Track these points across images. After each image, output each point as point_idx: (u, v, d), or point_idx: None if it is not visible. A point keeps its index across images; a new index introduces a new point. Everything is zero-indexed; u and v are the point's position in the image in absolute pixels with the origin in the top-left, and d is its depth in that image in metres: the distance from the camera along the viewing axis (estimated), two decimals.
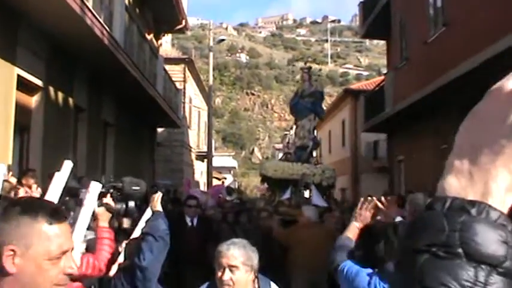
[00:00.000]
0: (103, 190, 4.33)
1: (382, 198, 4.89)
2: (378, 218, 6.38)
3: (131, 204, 4.87)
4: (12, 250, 1.78)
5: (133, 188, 6.85)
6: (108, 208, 4.45)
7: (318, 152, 29.82)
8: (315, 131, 14.65)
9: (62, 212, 2.01)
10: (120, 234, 5.34)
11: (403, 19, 20.74)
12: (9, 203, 1.97)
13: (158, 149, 27.22)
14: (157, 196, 5.00)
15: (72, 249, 1.94)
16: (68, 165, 4.14)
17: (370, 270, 3.89)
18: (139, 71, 15.51)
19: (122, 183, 4.82)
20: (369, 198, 4.80)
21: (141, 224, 5.36)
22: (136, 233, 5.40)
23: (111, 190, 4.57)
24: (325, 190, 13.38)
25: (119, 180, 4.86)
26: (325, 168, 13.66)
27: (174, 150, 30.44)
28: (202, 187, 30.78)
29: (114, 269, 4.62)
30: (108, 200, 4.44)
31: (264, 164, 15.78)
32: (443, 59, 15.75)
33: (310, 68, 16.55)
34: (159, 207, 4.90)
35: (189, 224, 9.33)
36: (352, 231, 4.53)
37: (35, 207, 1.89)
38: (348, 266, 4.06)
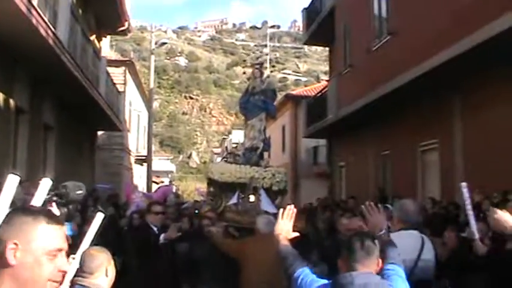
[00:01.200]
0: (47, 198, 4.13)
1: (367, 204, 4.68)
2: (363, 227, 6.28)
3: (72, 207, 4.73)
4: (15, 244, 2.04)
5: (77, 192, 6.65)
6: None
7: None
8: (266, 132, 13.74)
9: (58, 217, 2.35)
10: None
11: (347, 26, 21.01)
12: (11, 210, 2.30)
13: (98, 152, 26.76)
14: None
15: (66, 251, 2.18)
16: (13, 180, 3.87)
17: (325, 281, 3.90)
18: (82, 72, 15.19)
19: (65, 189, 4.64)
20: (289, 206, 4.62)
21: (90, 234, 5.17)
22: (86, 244, 5.20)
23: (55, 198, 4.38)
24: (276, 195, 12.56)
25: (61, 186, 4.65)
26: (275, 171, 12.75)
27: (114, 154, 29.96)
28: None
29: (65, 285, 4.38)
30: (54, 209, 4.24)
31: (210, 166, 15.01)
32: (387, 67, 16.02)
33: (262, 63, 15.68)
34: None
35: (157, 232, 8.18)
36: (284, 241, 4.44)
37: (35, 210, 2.22)
38: (304, 274, 4.06)
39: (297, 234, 4.60)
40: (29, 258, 2.04)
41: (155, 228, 8.06)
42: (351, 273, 3.64)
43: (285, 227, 4.51)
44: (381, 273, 3.85)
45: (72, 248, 4.94)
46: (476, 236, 6.02)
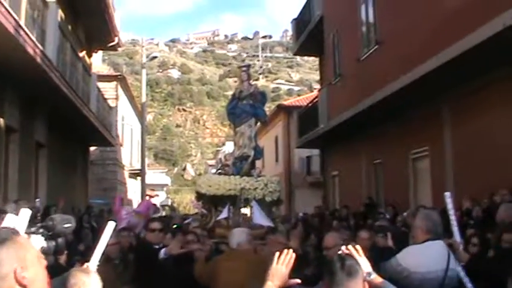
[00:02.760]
0: (33, 230, 4.12)
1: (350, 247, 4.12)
2: None
3: (60, 240, 4.68)
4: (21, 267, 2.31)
5: (65, 225, 6.62)
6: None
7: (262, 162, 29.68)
8: (257, 139, 12.85)
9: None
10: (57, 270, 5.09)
11: (336, 36, 21.10)
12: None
13: (91, 167, 26.77)
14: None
15: None
16: (26, 214, 3.95)
17: None
18: (72, 90, 15.21)
19: (52, 222, 4.60)
20: (287, 250, 3.72)
21: (102, 243, 5.16)
22: (98, 253, 5.20)
23: (41, 230, 4.35)
24: (270, 206, 11.77)
25: (48, 219, 4.62)
26: (268, 180, 11.92)
27: (107, 169, 30.01)
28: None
29: None
30: (40, 242, 4.22)
31: (198, 179, 14.37)
32: (376, 76, 16.10)
33: (249, 65, 14.57)
34: None
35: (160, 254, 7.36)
36: None
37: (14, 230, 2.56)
38: None
39: (297, 281, 3.67)
40: (32, 270, 2.38)
41: (156, 247, 7.38)
42: None
43: (280, 273, 3.58)
44: None
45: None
46: (460, 244, 6.03)
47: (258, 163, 13.86)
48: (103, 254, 5.02)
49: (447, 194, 6.09)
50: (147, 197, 32.94)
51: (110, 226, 5.43)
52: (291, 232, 8.58)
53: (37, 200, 13.65)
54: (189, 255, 7.40)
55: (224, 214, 10.83)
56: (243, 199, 11.14)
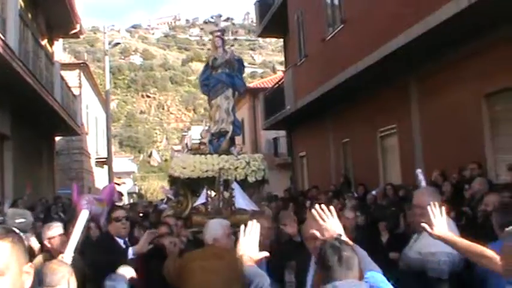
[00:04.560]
0: None
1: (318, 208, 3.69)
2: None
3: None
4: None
5: (17, 221, 6.44)
6: None
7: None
8: (235, 112, 11.29)
9: None
10: None
11: (301, 17, 21.06)
12: None
13: (57, 158, 26.45)
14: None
15: None
16: None
17: None
18: (36, 79, 14.95)
19: (3, 217, 4.44)
20: (251, 222, 3.69)
21: (76, 233, 5.03)
22: (73, 243, 5.07)
23: None
24: (254, 187, 10.43)
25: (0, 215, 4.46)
26: (250, 158, 10.48)
27: (73, 158, 29.70)
28: None
29: None
30: None
31: (171, 161, 12.32)
32: (342, 56, 16.13)
33: (223, 30, 12.08)
34: None
35: (124, 246, 6.32)
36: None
37: None
38: None
39: (265, 254, 3.75)
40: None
41: (121, 241, 6.37)
42: (334, 285, 3.04)
43: (249, 245, 3.63)
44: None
45: None
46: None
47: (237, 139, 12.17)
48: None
49: (419, 170, 6.16)
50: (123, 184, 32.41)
51: (83, 215, 5.31)
52: (283, 214, 7.50)
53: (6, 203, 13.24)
54: (161, 250, 6.39)
55: (201, 199, 9.61)
56: (222, 181, 9.61)
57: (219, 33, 11.51)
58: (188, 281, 5.35)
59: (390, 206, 10.94)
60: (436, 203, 4.00)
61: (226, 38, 11.63)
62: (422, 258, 4.87)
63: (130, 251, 6.11)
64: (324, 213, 3.62)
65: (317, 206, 3.68)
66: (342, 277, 3.06)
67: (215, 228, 5.70)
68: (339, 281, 3.05)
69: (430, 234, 4.01)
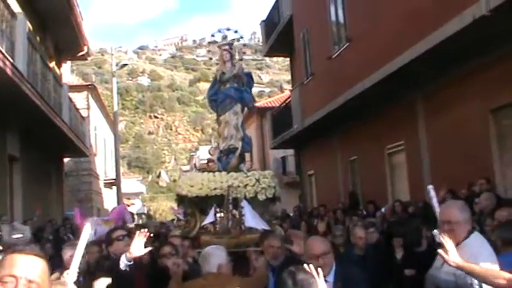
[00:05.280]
0: None
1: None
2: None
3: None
4: None
5: (15, 236, 6.41)
6: None
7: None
8: (244, 128, 10.91)
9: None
10: None
11: (306, 35, 21.16)
12: None
13: (66, 179, 26.53)
14: None
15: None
16: None
17: None
18: (44, 101, 15.05)
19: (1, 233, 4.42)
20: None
21: (80, 248, 5.01)
22: (77, 259, 5.03)
23: None
24: (264, 206, 10.08)
25: None
26: (260, 175, 10.09)
27: (82, 180, 29.79)
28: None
29: None
30: None
31: (179, 180, 11.64)
32: (348, 74, 16.17)
33: (231, 44, 11.38)
34: None
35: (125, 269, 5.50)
36: None
37: None
38: None
39: None
40: None
41: (123, 264, 5.61)
42: None
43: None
44: None
45: None
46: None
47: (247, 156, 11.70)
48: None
49: (430, 186, 6.09)
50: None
51: (86, 231, 5.28)
52: (290, 233, 7.44)
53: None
54: (164, 271, 6.04)
55: (210, 218, 9.28)
56: (231, 199, 9.24)
57: (227, 47, 11.14)
58: None
59: (409, 221, 10.78)
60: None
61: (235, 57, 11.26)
62: (456, 280, 4.28)
63: (122, 260, 5.42)
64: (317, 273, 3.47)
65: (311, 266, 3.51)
66: None
67: (219, 254, 5.45)
68: None
69: (447, 262, 3.94)
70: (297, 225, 14.09)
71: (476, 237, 4.44)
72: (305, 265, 3.50)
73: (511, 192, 10.62)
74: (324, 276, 4.56)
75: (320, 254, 4.68)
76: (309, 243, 4.95)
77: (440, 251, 3.95)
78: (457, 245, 4.17)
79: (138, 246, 5.39)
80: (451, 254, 3.90)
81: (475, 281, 4.05)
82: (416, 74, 12.89)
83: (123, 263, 5.36)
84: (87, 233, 5.03)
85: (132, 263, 5.46)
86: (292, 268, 3.27)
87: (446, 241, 3.94)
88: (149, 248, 5.67)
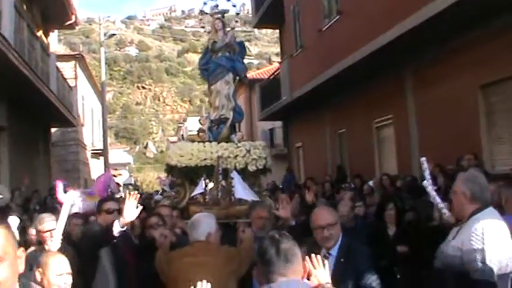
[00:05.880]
0: None
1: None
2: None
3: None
4: None
5: None
6: None
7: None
8: (236, 97, 10.75)
9: None
10: None
11: (297, 7, 21.04)
12: None
13: (53, 149, 26.41)
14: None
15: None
16: None
17: None
18: (32, 70, 14.93)
19: None
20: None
21: (61, 221, 4.99)
22: (59, 231, 5.01)
23: None
24: (255, 177, 9.98)
25: None
26: (251, 146, 9.94)
27: (69, 150, 29.63)
28: None
29: None
30: None
31: (168, 150, 11.79)
32: (338, 46, 16.12)
33: (224, 12, 11.17)
34: None
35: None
36: None
37: None
38: None
39: None
40: None
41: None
42: (270, 286, 2.85)
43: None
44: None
45: None
46: (443, 206, 5.94)
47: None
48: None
49: (423, 159, 6.10)
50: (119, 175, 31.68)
51: (67, 201, 5.25)
52: (279, 197, 7.19)
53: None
54: (152, 243, 5.81)
55: (199, 189, 9.04)
56: (221, 169, 9.11)
57: (219, 16, 10.91)
58: (176, 279, 4.94)
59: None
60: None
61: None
62: (462, 255, 4.07)
63: (116, 224, 5.26)
64: (317, 260, 3.21)
65: (313, 255, 3.23)
66: (280, 270, 2.85)
67: (209, 222, 5.30)
68: (276, 278, 2.85)
69: None
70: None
71: (485, 215, 4.14)
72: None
73: (499, 168, 10.69)
74: (328, 249, 4.57)
75: (326, 224, 4.56)
76: (314, 213, 4.81)
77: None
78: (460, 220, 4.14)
79: (131, 210, 5.31)
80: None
81: (479, 257, 3.92)
82: (406, 48, 12.87)
83: (116, 229, 5.24)
84: (68, 204, 5.03)
85: (125, 228, 5.40)
86: (275, 234, 2.98)
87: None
88: (141, 208, 5.48)
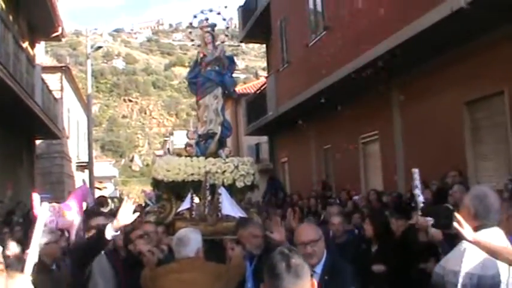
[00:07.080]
0: None
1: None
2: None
3: None
4: None
5: None
6: None
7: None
8: (224, 112, 10.67)
9: None
10: None
11: (284, 23, 21.08)
12: None
13: (37, 161, 26.22)
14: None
15: None
16: None
17: None
18: (16, 81, 14.83)
19: None
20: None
21: (38, 227, 4.89)
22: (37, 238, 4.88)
23: None
24: (242, 193, 9.92)
25: None
26: (239, 162, 9.85)
27: (54, 162, 29.42)
28: None
29: None
30: None
31: (155, 164, 11.25)
32: (324, 62, 16.12)
33: (214, 25, 11.09)
34: None
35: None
36: None
37: None
38: None
39: None
40: None
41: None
42: None
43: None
44: None
45: None
46: (430, 222, 5.82)
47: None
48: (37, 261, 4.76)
49: (415, 170, 6.05)
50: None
51: (44, 208, 5.10)
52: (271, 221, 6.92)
53: None
54: (137, 257, 5.74)
55: (186, 204, 8.95)
56: (208, 185, 9.00)
57: (209, 29, 10.73)
58: None
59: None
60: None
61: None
62: (443, 275, 4.14)
63: (109, 228, 4.97)
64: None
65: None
66: (290, 285, 2.77)
67: (197, 238, 5.26)
68: None
69: (462, 236, 3.75)
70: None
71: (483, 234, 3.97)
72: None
73: (483, 185, 10.69)
74: (312, 267, 4.39)
75: (308, 241, 4.54)
76: (297, 230, 4.80)
77: (455, 224, 3.74)
78: None
79: (127, 214, 4.99)
80: (466, 228, 3.71)
81: (454, 280, 3.92)
82: (392, 64, 12.91)
83: (109, 234, 4.96)
84: (43, 217, 4.92)
85: (118, 233, 5.15)
86: (285, 250, 2.91)
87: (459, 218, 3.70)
88: (137, 214, 5.24)
